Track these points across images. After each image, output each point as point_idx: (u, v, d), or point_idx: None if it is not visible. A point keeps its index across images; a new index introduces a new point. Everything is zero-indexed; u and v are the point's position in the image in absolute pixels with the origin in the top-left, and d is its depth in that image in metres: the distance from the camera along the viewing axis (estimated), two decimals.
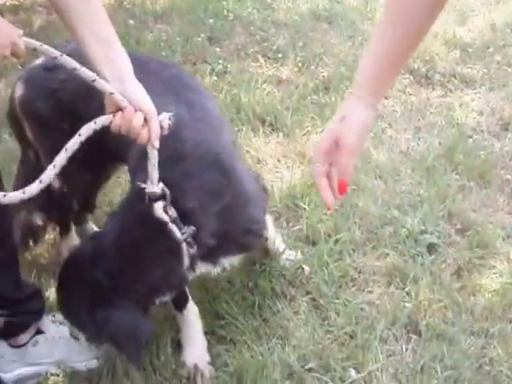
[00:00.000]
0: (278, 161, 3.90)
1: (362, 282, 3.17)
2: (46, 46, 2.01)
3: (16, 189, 2.93)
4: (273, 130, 4.12)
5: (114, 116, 2.11)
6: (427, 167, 3.83)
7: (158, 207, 2.36)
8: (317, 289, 3.09)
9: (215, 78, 4.57)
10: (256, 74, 4.61)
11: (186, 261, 2.47)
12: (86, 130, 2.07)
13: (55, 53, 2.02)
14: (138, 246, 2.42)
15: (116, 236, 2.46)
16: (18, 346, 2.76)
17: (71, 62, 2.04)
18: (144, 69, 2.58)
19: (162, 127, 2.19)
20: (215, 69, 4.67)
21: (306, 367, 2.79)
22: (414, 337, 2.92)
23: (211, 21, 5.23)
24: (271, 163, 3.83)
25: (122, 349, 2.52)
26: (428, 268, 3.21)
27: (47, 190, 3.01)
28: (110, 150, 2.64)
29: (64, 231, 3.27)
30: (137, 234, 2.44)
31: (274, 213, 3.42)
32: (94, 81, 2.06)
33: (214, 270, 2.70)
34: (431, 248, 3.34)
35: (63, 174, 2.67)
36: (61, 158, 2.03)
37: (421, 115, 4.33)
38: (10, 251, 2.66)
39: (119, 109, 2.10)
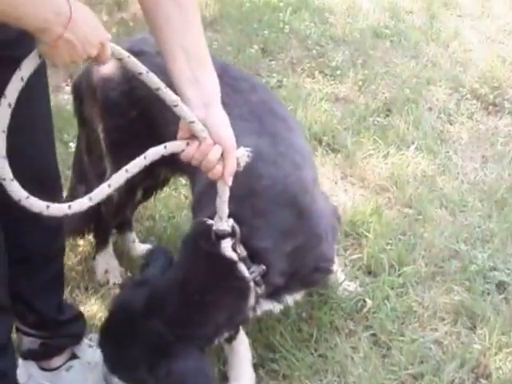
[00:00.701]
0: (336, 183, 3.75)
1: (426, 318, 3.02)
2: (133, 59, 1.84)
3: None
4: (331, 150, 3.98)
5: (187, 144, 1.96)
6: (496, 200, 3.67)
7: (226, 245, 2.25)
8: (379, 324, 2.95)
9: None
10: (312, 91, 4.49)
11: (252, 300, 2.37)
12: (153, 154, 1.93)
13: (142, 68, 1.85)
14: (203, 288, 2.30)
15: (177, 278, 2.35)
16: (50, 370, 2.62)
17: (156, 82, 1.88)
18: (234, 86, 2.54)
19: (238, 164, 2.04)
20: (270, 82, 4.55)
21: None
22: (484, 381, 2.76)
23: (265, 32, 5.10)
24: (328, 185, 3.70)
25: None
26: (497, 307, 3.05)
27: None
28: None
29: (102, 243, 3.16)
30: (201, 275, 2.32)
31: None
32: (176, 106, 1.90)
33: (277, 308, 2.58)
34: (501, 286, 3.18)
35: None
36: (118, 178, 1.89)
37: (489, 144, 4.18)
38: (58, 271, 2.57)
39: (193, 136, 1.95)
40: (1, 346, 2.22)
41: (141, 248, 3.27)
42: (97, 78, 2.76)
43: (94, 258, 3.21)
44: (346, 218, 3.43)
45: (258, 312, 2.49)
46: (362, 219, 3.43)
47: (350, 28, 5.29)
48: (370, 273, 3.22)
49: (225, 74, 2.52)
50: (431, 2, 5.70)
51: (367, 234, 3.33)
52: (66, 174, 3.56)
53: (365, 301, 3.03)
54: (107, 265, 3.16)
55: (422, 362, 2.79)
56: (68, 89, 4.56)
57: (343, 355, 2.83)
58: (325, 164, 3.87)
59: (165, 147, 1.94)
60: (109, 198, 2.82)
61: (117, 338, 2.39)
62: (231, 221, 2.22)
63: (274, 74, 4.68)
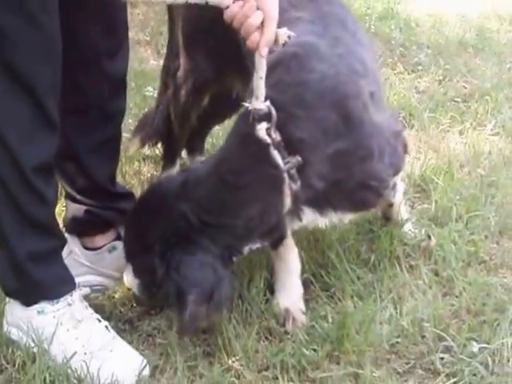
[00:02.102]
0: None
1: (493, 266, 2.73)
2: None
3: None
4: (406, 125, 3.75)
5: (233, 2, 1.89)
6: None
7: (261, 128, 2.06)
8: (442, 260, 2.67)
9: None
10: (393, 79, 4.28)
11: (288, 200, 2.15)
12: None
13: None
14: (235, 170, 2.13)
15: (213, 163, 2.19)
16: (93, 249, 2.41)
17: None
18: None
19: (276, 40, 1.95)
20: None
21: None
22: None
23: None
24: None
25: (182, 304, 2.13)
26: None
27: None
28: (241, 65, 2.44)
29: (169, 161, 3.00)
30: (236, 156, 2.15)
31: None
32: None
33: (322, 222, 2.34)
34: None
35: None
36: None
37: None
38: (114, 135, 2.41)
39: None
40: (44, 165, 2.04)
41: None
42: None
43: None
44: (417, 171, 3.23)
45: (304, 221, 2.28)
46: (433, 173, 3.19)
47: (434, 36, 5.09)
48: (436, 224, 2.93)
49: None
50: None
51: (438, 181, 3.09)
52: (139, 116, 3.53)
53: (429, 237, 2.74)
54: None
55: (484, 305, 2.49)
56: (154, 63, 4.53)
57: (402, 283, 2.56)
58: None
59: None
60: (176, 99, 2.70)
61: (141, 216, 2.24)
62: (268, 102, 2.06)
63: None
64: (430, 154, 3.46)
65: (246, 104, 2.09)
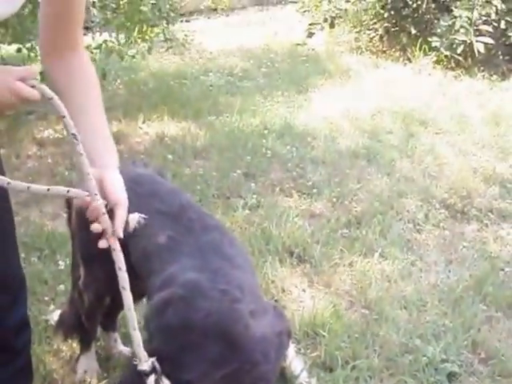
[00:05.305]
0: (303, 291, 4.07)
1: None
2: (58, 102, 2.01)
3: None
4: (300, 261, 4.32)
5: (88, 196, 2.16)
6: (455, 299, 3.96)
7: (150, 381, 2.43)
8: None
9: (248, 211, 4.84)
10: (288, 209, 4.86)
11: None
12: (57, 191, 2.16)
13: (64, 112, 2.04)
14: None
15: None
16: None
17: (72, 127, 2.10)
18: (188, 227, 2.85)
19: (127, 223, 2.25)
20: (248, 203, 4.94)
21: None
22: None
23: (249, 157, 5.55)
24: (296, 293, 4.02)
25: None
26: None
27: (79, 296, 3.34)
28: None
29: (85, 346, 3.48)
30: None
31: (293, 340, 3.54)
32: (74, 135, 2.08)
33: None
34: (451, 377, 3.41)
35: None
36: (17, 185, 2.08)
37: (453, 249, 4.49)
38: (26, 364, 2.84)
39: None
40: None
41: (120, 348, 3.60)
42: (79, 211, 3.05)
43: (77, 359, 3.52)
44: (308, 320, 3.74)
45: None
46: (322, 320, 3.70)
47: (329, 150, 5.70)
48: (326, 369, 3.45)
49: (183, 215, 2.89)
50: (410, 122, 6.11)
51: (324, 333, 3.61)
52: (56, 289, 4.03)
53: None
54: (87, 366, 3.47)
55: None
56: (64, 215, 4.95)
57: None
58: (294, 274, 4.19)
59: (68, 191, 2.16)
60: (81, 302, 3.23)
61: None
62: (150, 360, 2.42)
63: (254, 195, 5.07)
64: (321, 294, 4.02)
65: (135, 362, 2.43)
